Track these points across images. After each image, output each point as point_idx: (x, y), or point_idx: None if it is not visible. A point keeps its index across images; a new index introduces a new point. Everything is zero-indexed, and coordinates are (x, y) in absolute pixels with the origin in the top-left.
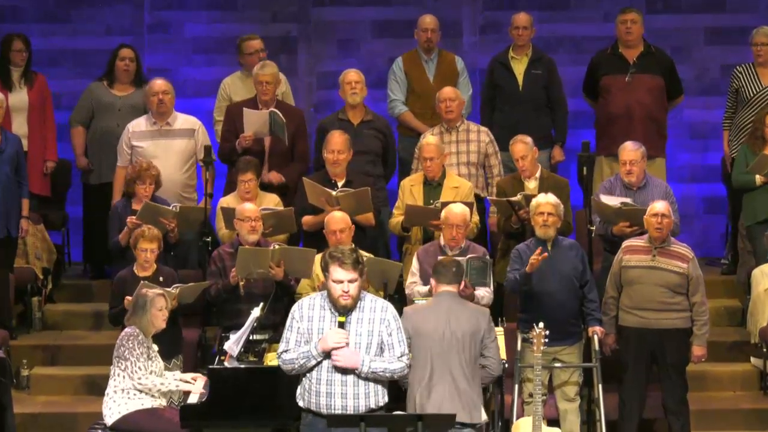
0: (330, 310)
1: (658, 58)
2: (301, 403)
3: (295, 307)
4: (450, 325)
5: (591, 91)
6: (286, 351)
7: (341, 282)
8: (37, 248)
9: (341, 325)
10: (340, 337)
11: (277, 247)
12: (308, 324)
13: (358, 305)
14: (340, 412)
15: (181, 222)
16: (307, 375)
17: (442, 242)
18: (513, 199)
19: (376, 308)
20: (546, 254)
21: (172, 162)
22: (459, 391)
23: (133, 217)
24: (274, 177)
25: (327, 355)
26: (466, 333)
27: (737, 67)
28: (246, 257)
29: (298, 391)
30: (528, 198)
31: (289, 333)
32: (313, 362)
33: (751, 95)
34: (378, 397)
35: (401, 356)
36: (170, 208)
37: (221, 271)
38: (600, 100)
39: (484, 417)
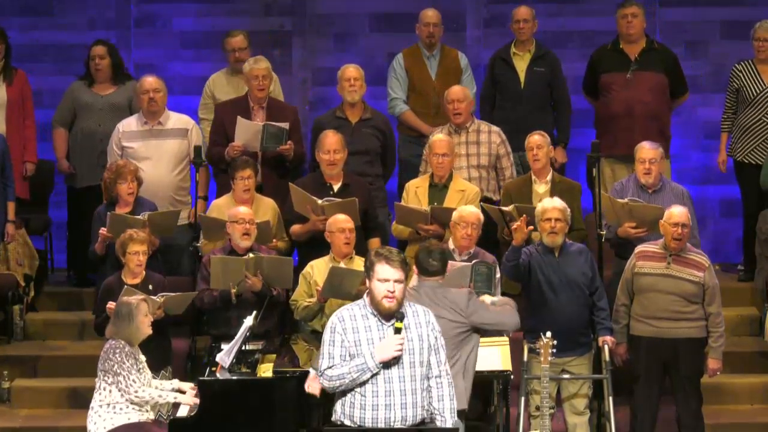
0: (375, 316)
1: (662, 54)
2: (347, 422)
3: (334, 321)
4: None
5: (591, 89)
6: (331, 367)
7: (387, 281)
8: (19, 254)
9: (398, 331)
10: (398, 344)
11: (251, 256)
12: (354, 336)
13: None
14: (399, 424)
15: (154, 229)
16: (356, 390)
17: (450, 246)
18: (505, 209)
19: (417, 312)
20: (528, 223)
21: (164, 163)
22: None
23: (104, 228)
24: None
25: (384, 365)
26: (448, 329)
27: (736, 65)
28: (219, 269)
29: (339, 409)
30: (521, 210)
31: (332, 348)
32: (368, 375)
33: (754, 95)
34: None
35: (445, 363)
36: (139, 217)
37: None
38: (600, 98)
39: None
